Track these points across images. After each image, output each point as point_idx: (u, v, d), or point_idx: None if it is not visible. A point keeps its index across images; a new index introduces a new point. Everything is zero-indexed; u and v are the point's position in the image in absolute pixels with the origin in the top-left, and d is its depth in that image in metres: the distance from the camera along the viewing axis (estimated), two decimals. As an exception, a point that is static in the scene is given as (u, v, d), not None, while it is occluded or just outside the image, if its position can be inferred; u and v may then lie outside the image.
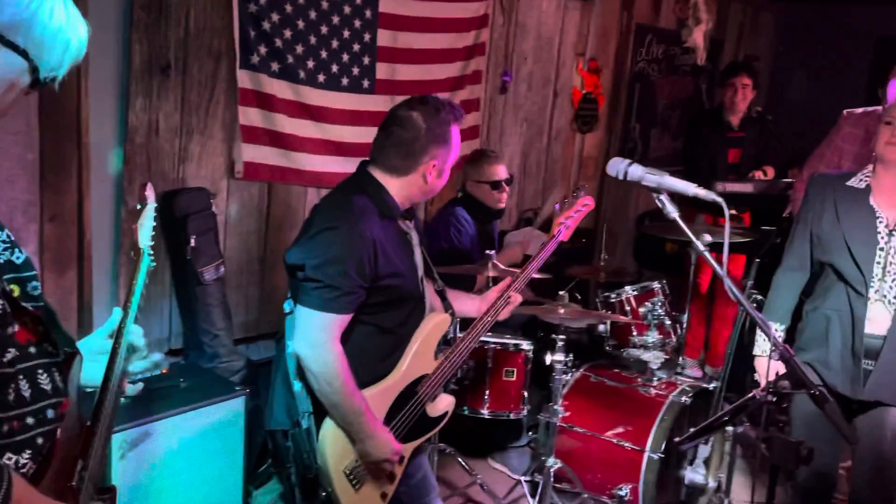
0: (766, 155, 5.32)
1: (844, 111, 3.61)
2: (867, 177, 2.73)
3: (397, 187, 2.36)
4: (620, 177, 2.08)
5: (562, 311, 3.40)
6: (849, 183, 2.74)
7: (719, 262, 1.94)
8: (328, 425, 2.30)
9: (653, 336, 3.84)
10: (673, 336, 3.96)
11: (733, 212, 5.12)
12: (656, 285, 3.99)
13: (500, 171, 3.96)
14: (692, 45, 6.22)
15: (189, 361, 3.51)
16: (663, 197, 2.02)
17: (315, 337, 2.22)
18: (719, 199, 1.91)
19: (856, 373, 2.68)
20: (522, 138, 5.28)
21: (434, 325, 2.50)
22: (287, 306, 2.33)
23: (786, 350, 1.89)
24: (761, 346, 2.84)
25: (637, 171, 2.05)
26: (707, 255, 1.97)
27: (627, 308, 3.93)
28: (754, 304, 3.55)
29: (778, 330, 2.83)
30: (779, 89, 7.33)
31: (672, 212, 2.01)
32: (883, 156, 2.67)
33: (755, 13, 7.27)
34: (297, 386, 2.31)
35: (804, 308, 2.86)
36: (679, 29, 6.23)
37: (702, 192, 1.96)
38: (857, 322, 2.67)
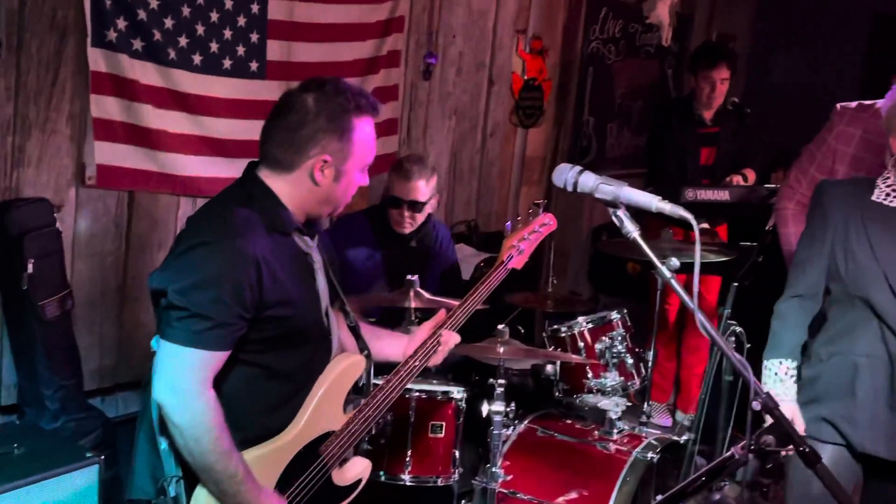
0: (745, 155, 5.46)
1: (837, 105, 3.72)
2: (894, 190, 2.84)
3: (286, 190, 2.36)
4: (569, 188, 2.10)
5: (501, 349, 3.41)
6: (875, 198, 2.84)
7: (690, 286, 1.98)
8: (201, 494, 2.27)
9: (612, 378, 3.88)
10: (637, 377, 4.02)
11: (705, 225, 5.31)
12: (615, 316, 4.05)
13: (406, 189, 3.91)
14: (656, 21, 6.37)
15: (26, 421, 3.41)
16: (621, 213, 2.04)
17: (179, 380, 2.20)
18: (687, 216, 1.95)
19: (891, 426, 2.78)
20: (451, 134, 5.31)
21: (343, 369, 2.49)
22: (154, 344, 2.30)
23: (769, 399, 1.93)
24: (771, 387, 2.91)
25: (589, 181, 2.08)
26: (674, 283, 2.01)
27: (581, 344, 3.97)
28: (732, 340, 3.64)
29: (790, 369, 2.91)
30: (759, 75, 7.54)
31: (632, 231, 2.04)
32: None
33: (730, -17, 7.50)
34: (164, 444, 2.27)
35: (815, 350, 2.94)
36: (640, 2, 6.38)
37: (667, 207, 1.99)
38: None
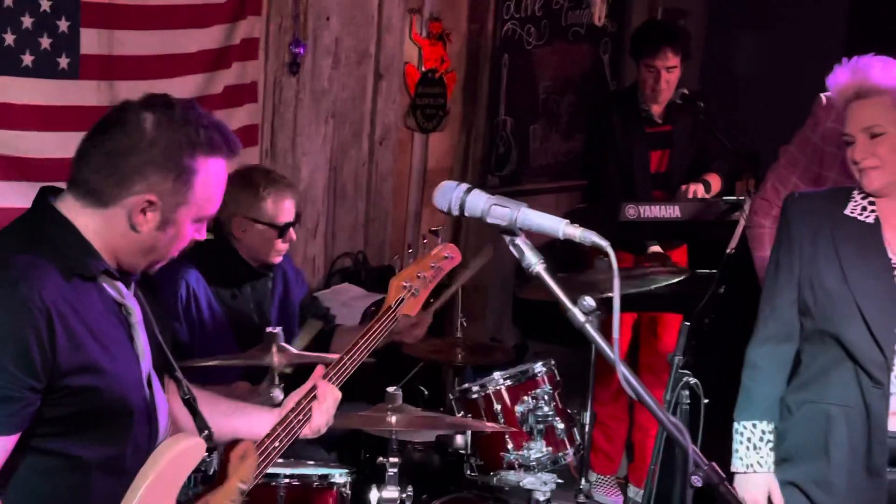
0: (707, 158, 5.55)
1: (821, 96, 3.76)
2: (872, 204, 2.93)
3: (95, 227, 2.32)
4: (455, 211, 2.12)
5: (392, 418, 3.39)
6: (849, 212, 2.93)
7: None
8: None
9: (537, 449, 3.87)
10: (570, 446, 4.02)
11: (657, 248, 5.36)
12: (540, 369, 4.05)
13: (291, 208, 3.99)
14: (586, -5, 6.46)
15: None
16: (520, 241, 2.06)
17: None
18: (601, 243, 1.97)
19: (873, 493, 2.86)
20: (329, 143, 5.29)
21: (175, 455, 2.42)
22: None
23: (713, 472, 1.95)
24: (744, 456, 2.97)
25: (479, 202, 2.09)
26: (589, 329, 2.02)
27: (497, 407, 3.97)
28: (686, 395, 3.67)
29: (766, 432, 2.98)
30: (717, 60, 7.66)
31: (534, 263, 2.06)
32: (863, 185, 2.90)
33: (678, -53, 7.62)
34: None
35: (784, 400, 3.02)
36: (565, -30, 6.48)
37: (577, 233, 2.02)
38: (874, 420, 2.85)
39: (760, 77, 7.35)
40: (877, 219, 2.90)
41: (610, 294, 2.38)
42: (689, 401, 3.71)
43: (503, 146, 6.37)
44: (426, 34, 5.72)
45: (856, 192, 2.95)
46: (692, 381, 3.72)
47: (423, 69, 5.72)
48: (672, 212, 5.06)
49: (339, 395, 2.71)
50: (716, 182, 5.47)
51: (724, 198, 5.31)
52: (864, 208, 2.92)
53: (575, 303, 2.07)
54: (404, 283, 2.95)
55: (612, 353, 1.98)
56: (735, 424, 3.01)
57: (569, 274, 4.54)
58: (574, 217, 2.22)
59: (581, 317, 2.05)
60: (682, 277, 4.43)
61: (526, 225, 2.08)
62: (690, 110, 5.47)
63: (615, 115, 5.52)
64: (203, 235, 2.45)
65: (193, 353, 3.81)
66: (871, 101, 2.83)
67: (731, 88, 7.20)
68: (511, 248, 2.09)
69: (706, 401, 3.71)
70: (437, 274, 3.03)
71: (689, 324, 3.94)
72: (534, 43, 6.45)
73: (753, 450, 2.96)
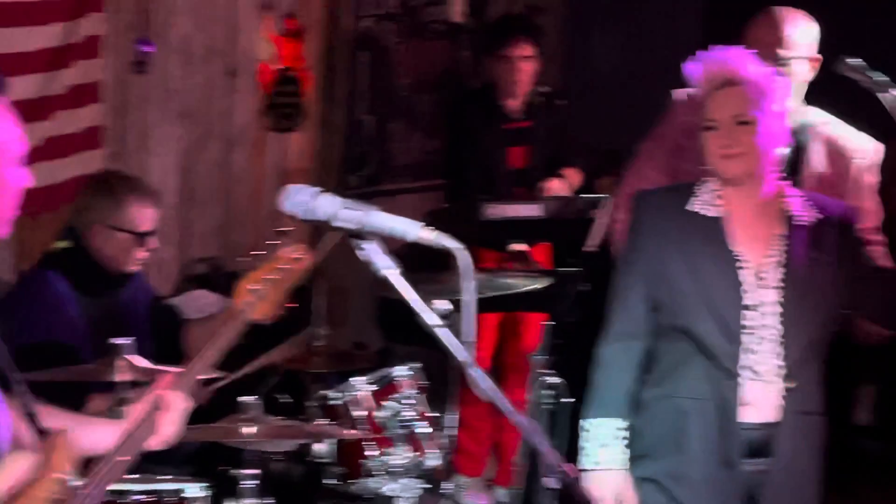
0: (566, 154, 5.62)
1: (675, 91, 3.87)
2: (719, 198, 2.99)
3: None
4: (302, 216, 2.13)
5: (247, 429, 3.36)
6: (691, 207, 2.99)
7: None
8: None
9: (400, 454, 3.86)
10: (434, 450, 4.02)
11: (522, 247, 5.39)
12: (402, 372, 4.03)
13: (151, 215, 3.96)
14: (442, -11, 6.49)
15: None
16: (368, 245, 2.07)
17: None
18: (451, 246, 2.00)
19: (728, 484, 2.93)
20: (181, 144, 5.24)
21: (18, 475, 2.35)
22: None
23: (567, 473, 1.97)
24: (591, 454, 2.99)
25: (328, 206, 2.09)
26: (440, 334, 2.03)
27: (358, 412, 3.95)
28: (549, 395, 3.70)
29: (618, 429, 3.01)
30: (578, 58, 7.75)
31: (385, 266, 2.09)
32: (721, 172, 2.95)
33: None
34: None
35: (641, 396, 3.05)
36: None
37: (431, 236, 2.03)
38: (727, 411, 2.92)
39: (621, 74, 7.46)
40: (720, 212, 2.97)
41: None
42: (552, 400, 3.74)
43: (363, 146, 6.36)
44: (281, 31, 5.68)
45: (698, 187, 3.02)
46: (556, 380, 3.76)
47: (279, 67, 5.68)
48: (533, 210, 5.11)
49: (187, 403, 2.65)
50: (574, 177, 5.56)
51: (586, 195, 5.38)
52: (707, 202, 3.00)
53: (428, 306, 2.07)
54: (251, 287, 2.91)
55: (465, 353, 1.98)
56: (582, 422, 3.05)
57: (430, 275, 4.55)
58: (436, 217, 2.22)
59: (432, 320, 2.05)
60: (541, 284, 4.45)
61: (376, 228, 2.08)
62: (550, 107, 5.54)
63: (472, 111, 5.59)
64: (29, 180, 2.34)
65: (83, 357, 3.77)
66: (740, 90, 2.91)
67: (593, 86, 7.28)
68: (358, 252, 2.08)
69: (571, 400, 3.74)
70: (286, 275, 3.00)
71: (551, 323, 3.98)
72: (393, 40, 6.46)
73: (602, 447, 2.99)
